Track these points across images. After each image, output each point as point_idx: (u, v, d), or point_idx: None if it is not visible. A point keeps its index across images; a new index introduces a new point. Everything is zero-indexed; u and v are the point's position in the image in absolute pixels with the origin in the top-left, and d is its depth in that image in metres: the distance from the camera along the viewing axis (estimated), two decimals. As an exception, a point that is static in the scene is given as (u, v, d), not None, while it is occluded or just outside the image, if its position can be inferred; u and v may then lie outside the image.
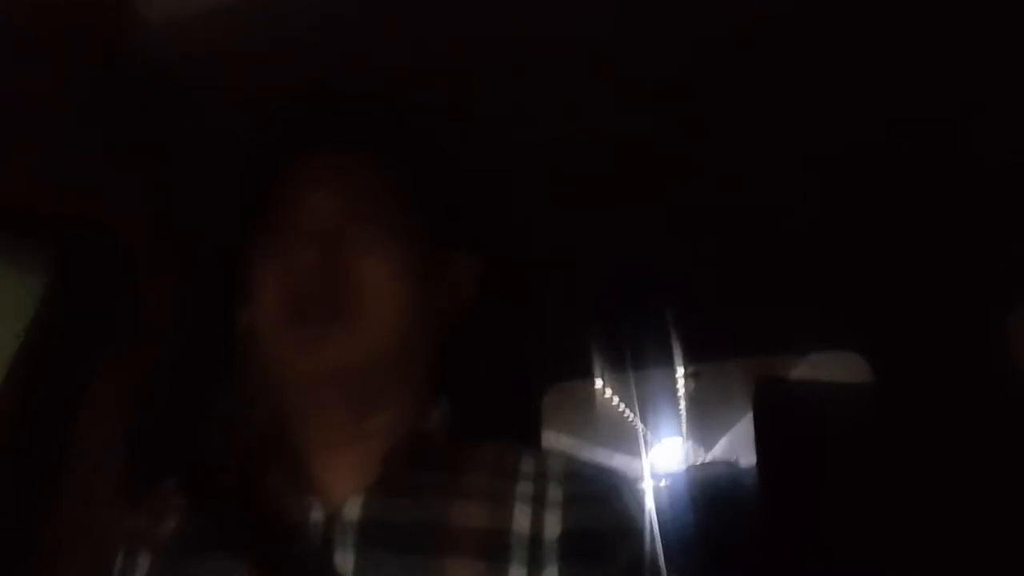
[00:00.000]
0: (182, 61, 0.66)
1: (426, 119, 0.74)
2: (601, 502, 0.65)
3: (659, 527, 0.67)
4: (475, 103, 0.74)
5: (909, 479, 1.15)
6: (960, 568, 1.08)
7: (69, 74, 0.65)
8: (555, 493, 0.65)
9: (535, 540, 0.62)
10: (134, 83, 0.67)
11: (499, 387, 1.39)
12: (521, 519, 0.63)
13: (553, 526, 0.63)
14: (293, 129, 0.71)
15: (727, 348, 1.83)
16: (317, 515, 0.64)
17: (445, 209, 0.73)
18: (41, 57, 0.63)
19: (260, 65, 0.68)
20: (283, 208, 0.68)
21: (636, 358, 1.82)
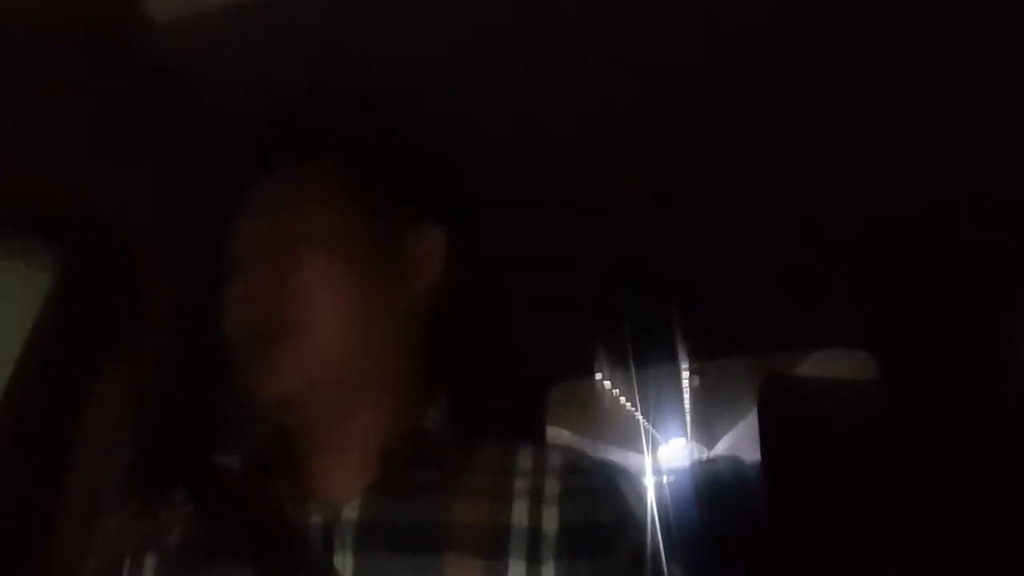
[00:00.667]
0: (185, 61, 0.66)
1: (430, 124, 0.74)
2: (599, 495, 0.65)
3: (662, 522, 0.67)
4: (477, 101, 0.74)
5: (913, 477, 1.15)
6: (964, 566, 1.08)
7: (73, 74, 0.65)
8: (553, 487, 0.65)
9: (534, 535, 0.62)
10: (137, 83, 0.67)
11: (504, 384, 1.39)
12: (519, 515, 0.63)
13: (552, 521, 0.63)
14: (267, 141, 0.71)
15: (732, 345, 1.82)
16: (317, 517, 0.64)
17: (402, 191, 0.72)
18: (45, 56, 0.63)
19: (262, 67, 0.68)
20: (233, 238, 0.69)
21: (641, 355, 1.82)
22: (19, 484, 0.77)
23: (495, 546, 0.62)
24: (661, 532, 0.65)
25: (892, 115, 0.81)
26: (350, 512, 0.63)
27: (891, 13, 0.65)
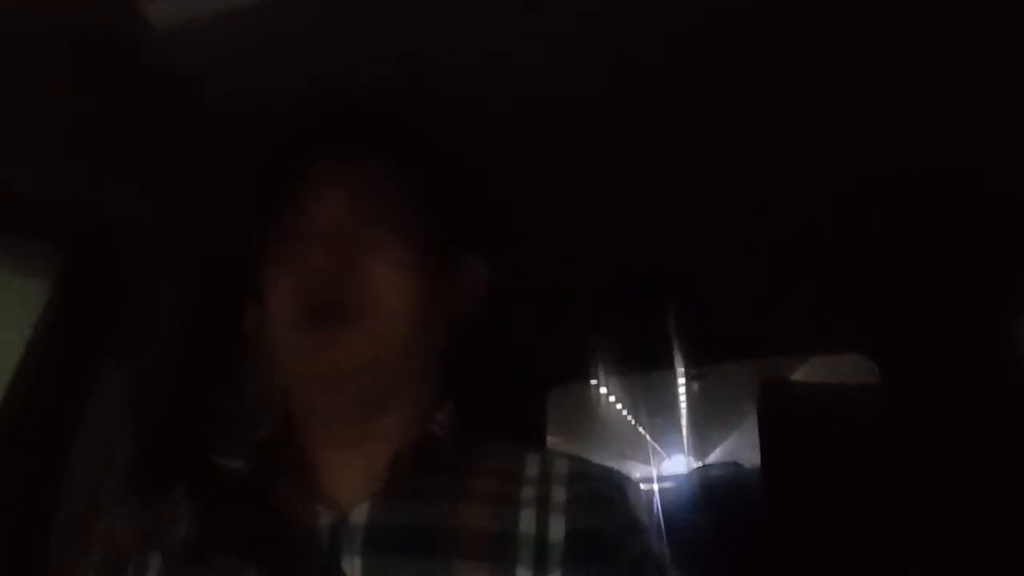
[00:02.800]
0: (185, 64, 0.66)
1: (433, 122, 0.74)
2: (605, 502, 0.66)
3: (663, 528, 0.67)
4: (477, 101, 0.74)
5: (914, 481, 1.15)
6: (966, 569, 1.08)
7: (73, 77, 0.65)
8: (559, 495, 0.65)
9: (540, 542, 0.63)
10: (137, 86, 0.67)
11: (503, 389, 1.39)
12: (527, 522, 0.63)
13: (558, 528, 0.63)
14: (305, 134, 0.72)
15: (731, 350, 1.82)
16: (324, 520, 0.64)
17: (455, 212, 0.74)
18: (45, 60, 0.63)
19: (265, 68, 0.68)
20: (295, 212, 0.69)
21: (640, 360, 1.82)
22: (20, 483, 0.76)
23: (502, 552, 0.62)
24: (664, 538, 0.65)
25: (891, 116, 0.81)
26: (358, 515, 0.64)
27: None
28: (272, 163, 0.71)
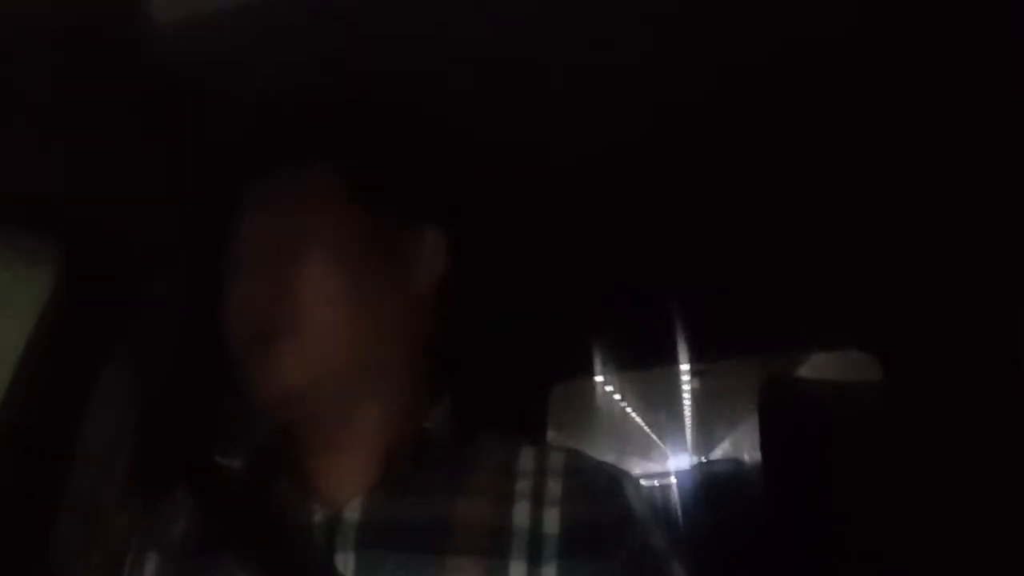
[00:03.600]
0: (186, 61, 0.66)
1: (433, 113, 0.74)
2: (601, 497, 0.65)
3: (664, 523, 0.67)
4: (476, 100, 0.74)
5: (915, 479, 1.15)
6: (967, 568, 1.08)
7: (74, 74, 0.65)
8: (554, 488, 0.65)
9: (535, 535, 0.62)
10: (138, 83, 0.67)
11: (505, 385, 1.39)
12: (521, 516, 0.63)
13: (553, 522, 0.63)
14: (252, 145, 0.72)
15: (734, 347, 1.82)
16: (319, 516, 0.64)
17: (400, 193, 0.72)
18: (46, 56, 0.63)
19: (263, 67, 0.68)
20: (236, 230, 0.69)
21: (642, 356, 1.82)
22: (20, 483, 0.77)
23: (496, 547, 0.62)
24: (662, 533, 0.65)
25: (890, 115, 0.81)
26: (352, 512, 0.64)
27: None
28: (241, 172, 0.71)
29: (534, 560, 0.61)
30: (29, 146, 0.69)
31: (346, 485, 0.65)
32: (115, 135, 0.72)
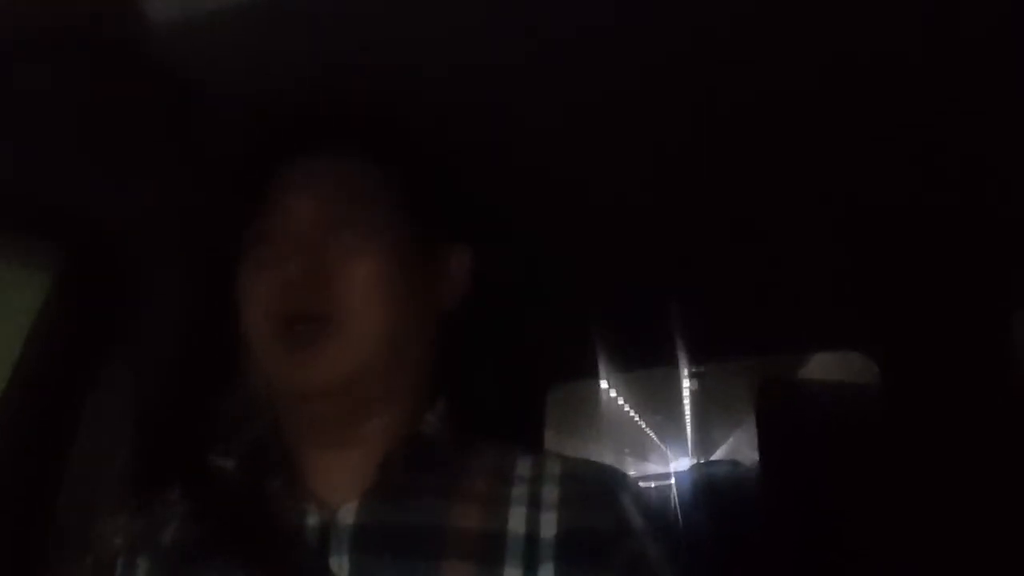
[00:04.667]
0: (185, 60, 0.66)
1: (431, 118, 0.74)
2: (598, 502, 0.65)
3: (661, 526, 0.67)
4: (475, 100, 0.74)
5: (912, 479, 1.15)
6: (964, 567, 1.08)
7: (72, 73, 0.65)
8: (551, 494, 0.65)
9: (530, 540, 0.62)
10: (137, 82, 0.67)
11: (502, 387, 1.39)
12: (516, 521, 0.63)
13: (549, 527, 0.63)
14: (282, 133, 0.71)
15: (732, 348, 1.82)
16: (313, 519, 0.64)
17: (435, 204, 0.72)
18: (46, 57, 0.63)
19: (265, 66, 0.68)
20: (270, 216, 0.67)
21: (640, 358, 1.82)
22: (17, 482, 0.76)
23: (491, 552, 0.61)
24: (659, 540, 0.65)
25: (890, 114, 0.81)
26: (347, 515, 0.63)
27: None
28: (249, 163, 0.70)
29: (530, 566, 0.61)
30: (28, 146, 0.69)
31: (341, 487, 0.65)
32: (113, 135, 0.72)
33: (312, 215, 0.66)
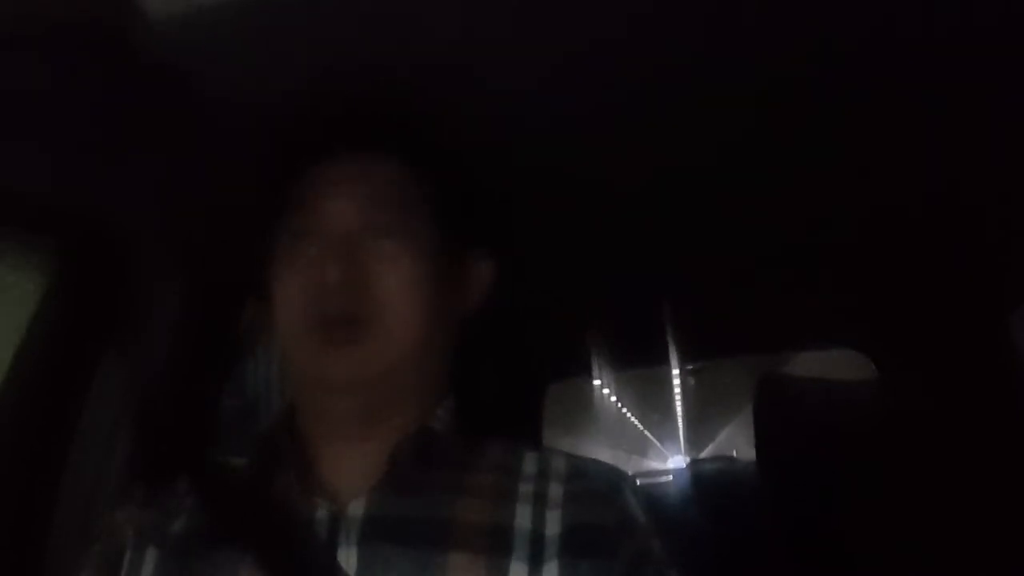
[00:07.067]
0: (184, 58, 0.66)
1: (435, 118, 0.74)
2: (602, 499, 0.66)
3: (659, 523, 0.67)
4: (475, 99, 0.74)
5: (909, 477, 1.16)
6: (963, 567, 1.09)
7: (71, 72, 0.65)
8: (556, 491, 0.66)
9: (536, 536, 0.63)
10: (136, 80, 0.67)
11: (502, 384, 1.40)
12: (523, 517, 0.64)
13: (554, 524, 0.64)
14: (312, 132, 0.71)
15: (727, 345, 1.83)
16: (322, 511, 0.65)
17: (462, 212, 0.74)
18: (43, 54, 0.63)
19: (265, 63, 0.68)
20: (302, 214, 0.69)
21: (636, 355, 1.82)
22: (19, 479, 0.76)
23: (498, 545, 0.62)
24: (662, 537, 0.66)
25: (889, 113, 0.81)
26: (356, 508, 0.64)
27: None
28: (279, 161, 0.71)
29: (535, 561, 0.62)
30: (25, 145, 0.69)
31: (351, 481, 0.65)
32: (112, 134, 0.72)
33: (351, 215, 0.67)
